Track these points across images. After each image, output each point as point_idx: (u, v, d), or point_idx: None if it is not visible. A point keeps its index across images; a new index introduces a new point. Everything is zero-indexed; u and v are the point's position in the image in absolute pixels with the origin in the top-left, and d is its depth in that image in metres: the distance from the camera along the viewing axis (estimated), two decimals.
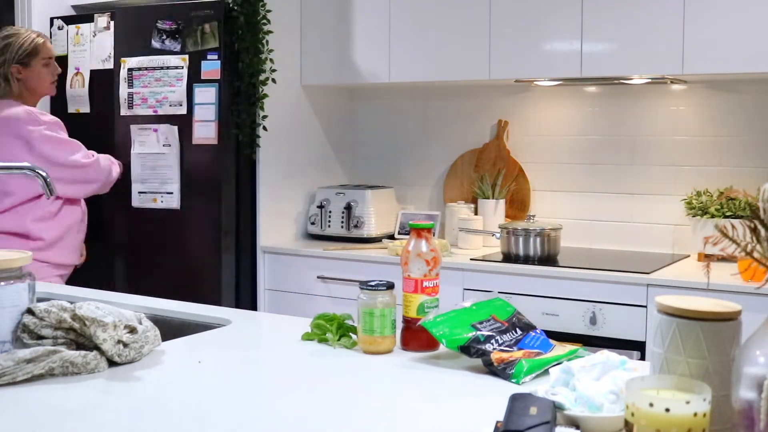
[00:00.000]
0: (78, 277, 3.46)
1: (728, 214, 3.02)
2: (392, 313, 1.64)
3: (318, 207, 3.70)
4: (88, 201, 3.68)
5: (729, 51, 2.88)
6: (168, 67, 3.45)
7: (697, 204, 3.13)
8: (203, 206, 3.46)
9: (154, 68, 3.48)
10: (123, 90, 3.54)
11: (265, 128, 3.51)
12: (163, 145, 3.47)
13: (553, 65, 3.21)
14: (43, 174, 2.07)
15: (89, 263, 3.57)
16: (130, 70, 3.52)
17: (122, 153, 3.57)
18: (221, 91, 3.37)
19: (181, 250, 3.51)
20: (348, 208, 3.66)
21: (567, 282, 2.94)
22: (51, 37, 3.77)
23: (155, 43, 3.47)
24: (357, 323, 1.68)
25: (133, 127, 3.53)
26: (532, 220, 3.28)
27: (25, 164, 2.14)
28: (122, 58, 3.55)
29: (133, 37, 3.55)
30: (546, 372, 1.43)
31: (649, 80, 3.23)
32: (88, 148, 3.75)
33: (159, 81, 3.46)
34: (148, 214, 3.54)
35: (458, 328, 1.55)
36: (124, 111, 3.54)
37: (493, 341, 1.53)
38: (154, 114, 3.48)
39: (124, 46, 3.57)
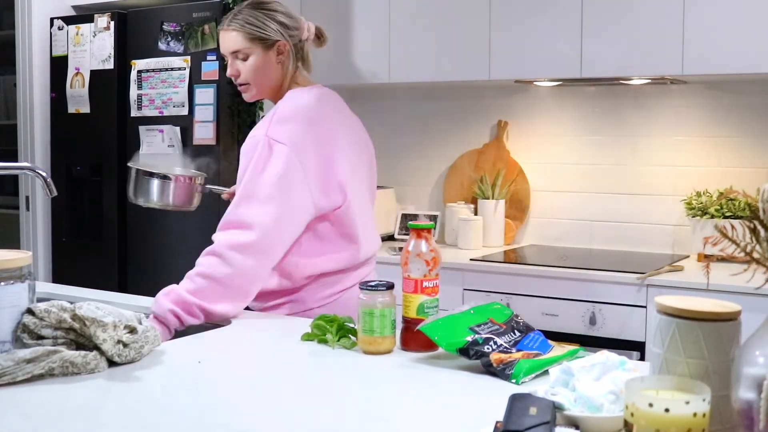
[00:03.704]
0: (80, 276, 3.47)
1: (728, 214, 3.02)
2: (392, 313, 1.64)
3: None
4: (89, 199, 3.69)
5: (729, 51, 2.88)
6: (172, 69, 3.46)
7: (696, 204, 3.13)
8: (204, 206, 3.45)
9: (160, 70, 3.49)
10: (133, 91, 3.55)
11: None
12: (168, 146, 3.48)
13: (553, 65, 3.21)
14: (43, 174, 2.07)
15: (92, 263, 3.57)
16: (139, 72, 3.53)
17: (131, 153, 3.58)
18: (219, 92, 3.38)
19: (183, 251, 3.51)
20: None
21: (566, 282, 2.94)
22: (51, 37, 3.78)
23: (161, 45, 3.48)
24: (357, 323, 1.68)
25: (141, 128, 3.54)
26: None
27: (25, 164, 2.15)
28: (132, 60, 3.56)
29: (142, 38, 3.56)
30: (546, 372, 1.43)
31: (649, 80, 3.23)
32: (89, 148, 3.76)
33: (164, 82, 3.47)
34: (154, 213, 3.54)
35: (456, 331, 1.55)
36: (134, 112, 3.56)
37: (491, 343, 1.53)
38: (160, 115, 3.49)
39: (134, 48, 3.58)
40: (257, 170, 1.95)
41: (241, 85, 2.13)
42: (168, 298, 1.89)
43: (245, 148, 2.02)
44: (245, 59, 2.08)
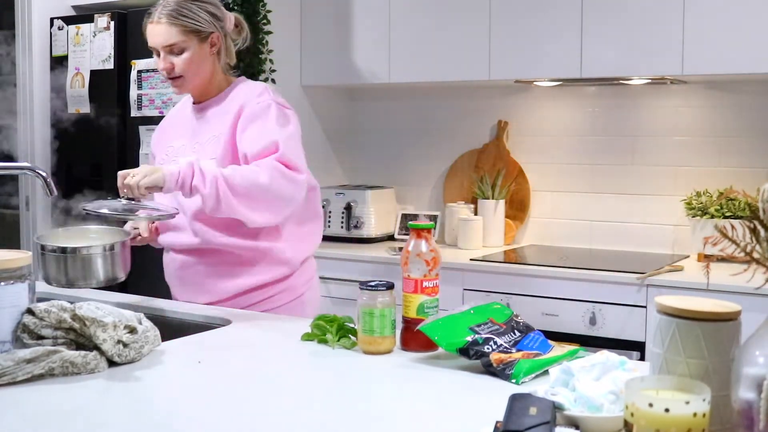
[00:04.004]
0: None
1: (728, 214, 3.02)
2: (392, 313, 1.64)
3: None
4: (89, 198, 3.67)
5: (729, 51, 2.88)
6: None
7: (697, 204, 3.13)
8: None
9: None
10: (133, 91, 3.54)
11: None
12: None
13: (553, 65, 3.21)
14: (43, 174, 2.07)
15: None
16: (139, 72, 3.52)
17: (131, 153, 3.58)
18: None
19: None
20: (348, 208, 3.66)
21: (567, 282, 2.94)
22: (51, 38, 3.78)
23: None
24: (357, 324, 1.68)
25: (141, 128, 3.53)
26: None
27: (25, 164, 2.14)
28: (132, 60, 3.56)
29: (142, 38, 3.55)
30: (546, 372, 1.43)
31: (649, 80, 3.23)
32: (89, 147, 3.75)
33: (164, 82, 3.47)
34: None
35: (456, 331, 1.55)
36: (134, 112, 3.55)
37: (491, 343, 1.53)
38: (160, 115, 3.49)
39: (134, 48, 3.57)
40: (280, 123, 2.01)
41: (174, 78, 2.09)
42: (194, 161, 1.90)
43: (252, 111, 2.03)
44: (180, 53, 2.04)
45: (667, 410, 0.92)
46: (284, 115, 2.03)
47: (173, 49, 2.03)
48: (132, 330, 1.55)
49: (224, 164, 2.01)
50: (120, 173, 1.90)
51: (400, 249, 2.98)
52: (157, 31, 2.03)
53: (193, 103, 2.17)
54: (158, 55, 2.07)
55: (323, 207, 3.69)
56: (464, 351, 1.51)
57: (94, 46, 3.66)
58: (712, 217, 3.05)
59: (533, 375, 1.44)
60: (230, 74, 2.20)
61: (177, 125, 2.22)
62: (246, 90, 2.11)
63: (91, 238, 2.03)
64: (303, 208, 2.11)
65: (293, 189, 1.96)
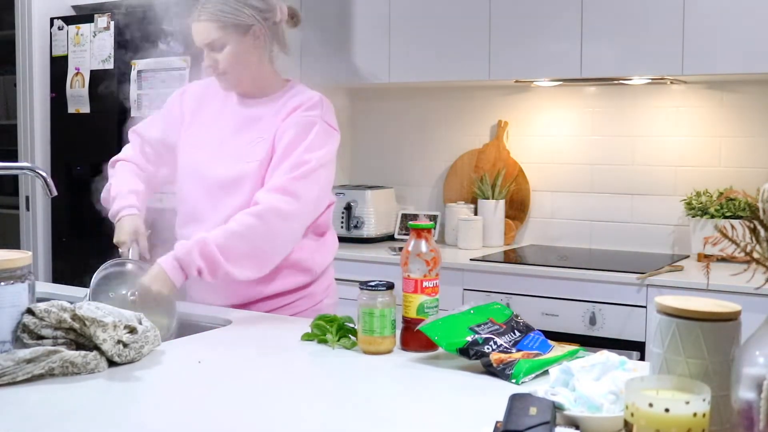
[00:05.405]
0: (80, 276, 3.46)
1: (728, 214, 3.02)
2: (392, 313, 1.64)
3: None
4: (89, 199, 3.68)
5: (729, 51, 2.88)
6: (172, 69, 3.45)
7: (696, 204, 3.13)
8: None
9: (160, 70, 3.48)
10: (133, 91, 3.55)
11: None
12: None
13: (553, 65, 3.21)
14: (43, 174, 2.07)
15: (92, 263, 3.56)
16: (139, 72, 3.53)
17: None
18: None
19: None
20: (348, 208, 3.66)
21: (566, 282, 2.94)
22: (51, 38, 3.78)
23: (162, 45, 3.48)
24: (357, 324, 1.68)
25: None
26: None
27: (25, 164, 2.13)
28: (132, 60, 3.56)
29: (142, 38, 3.55)
30: (546, 372, 1.43)
31: (649, 80, 3.23)
32: (89, 148, 3.75)
33: (164, 82, 3.47)
34: (153, 213, 3.53)
35: (456, 331, 1.55)
36: (134, 112, 3.55)
37: (491, 343, 1.53)
38: None
39: (134, 48, 3.57)
40: (314, 146, 2.00)
41: (219, 75, 2.06)
42: (199, 251, 1.89)
43: (296, 122, 2.03)
44: (221, 48, 2.01)
45: (667, 410, 0.92)
46: (325, 136, 2.03)
47: (214, 46, 2.00)
48: (132, 330, 1.55)
49: (264, 167, 2.01)
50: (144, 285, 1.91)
51: (400, 249, 2.99)
52: (198, 30, 2.01)
53: (240, 95, 2.13)
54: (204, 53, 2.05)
55: None
56: (464, 351, 1.51)
57: (94, 46, 3.66)
58: (712, 217, 3.05)
59: (533, 375, 1.44)
60: (277, 74, 2.16)
61: (215, 110, 2.15)
62: (301, 98, 2.09)
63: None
64: (321, 220, 2.13)
65: (288, 224, 1.97)
